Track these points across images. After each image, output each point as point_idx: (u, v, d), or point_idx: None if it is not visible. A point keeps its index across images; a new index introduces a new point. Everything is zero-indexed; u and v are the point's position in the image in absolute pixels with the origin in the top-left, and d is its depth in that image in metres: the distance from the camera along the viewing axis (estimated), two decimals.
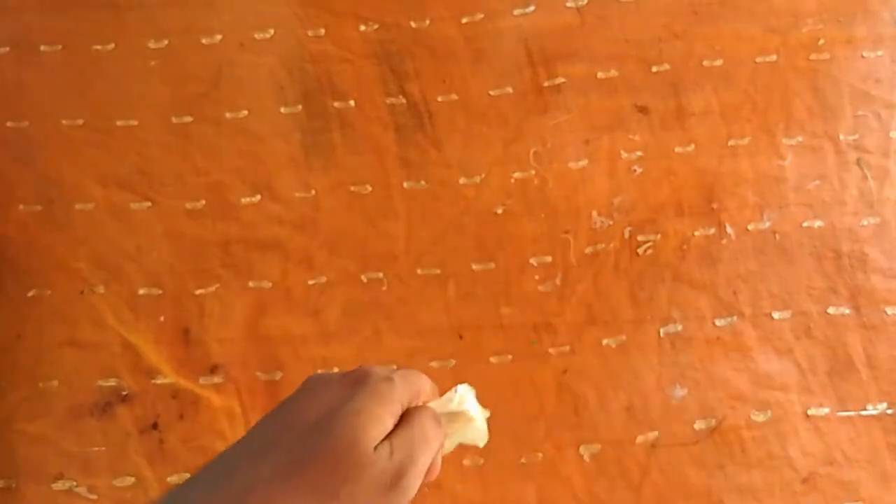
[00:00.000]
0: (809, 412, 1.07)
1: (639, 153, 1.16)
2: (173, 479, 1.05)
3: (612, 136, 1.16)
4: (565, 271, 1.11)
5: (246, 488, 0.51)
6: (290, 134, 1.16)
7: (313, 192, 1.14)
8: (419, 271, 1.11)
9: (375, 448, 0.53)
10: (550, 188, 1.14)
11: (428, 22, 1.19)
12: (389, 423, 0.55)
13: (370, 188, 1.14)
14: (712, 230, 1.13)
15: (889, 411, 1.07)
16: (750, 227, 1.13)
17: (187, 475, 1.04)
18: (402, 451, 0.54)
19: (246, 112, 1.17)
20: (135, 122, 1.17)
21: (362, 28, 1.19)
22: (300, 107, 1.17)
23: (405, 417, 0.58)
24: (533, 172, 1.15)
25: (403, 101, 1.17)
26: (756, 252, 1.12)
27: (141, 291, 1.11)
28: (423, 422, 0.57)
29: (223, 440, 1.06)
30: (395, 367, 0.64)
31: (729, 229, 1.12)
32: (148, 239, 1.12)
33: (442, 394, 0.66)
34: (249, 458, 0.53)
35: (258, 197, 1.14)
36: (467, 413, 0.67)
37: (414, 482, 0.55)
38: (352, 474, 0.52)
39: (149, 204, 1.14)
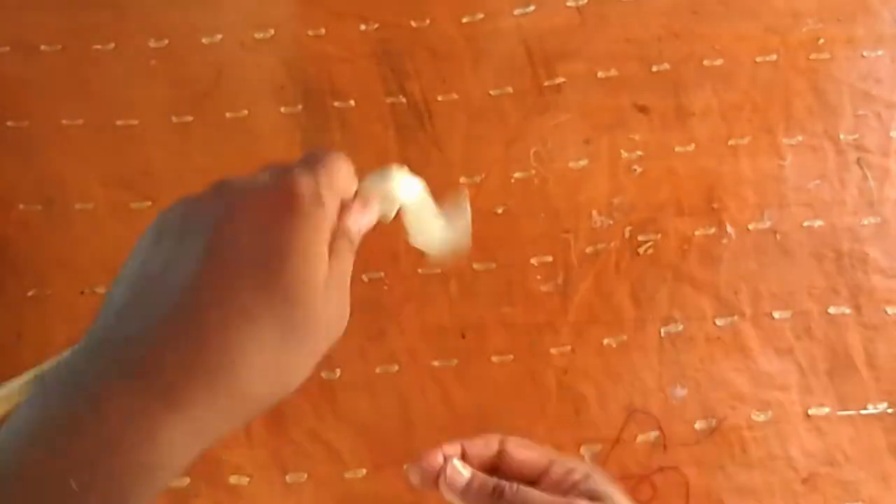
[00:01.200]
0: (810, 412, 1.07)
1: (639, 153, 1.15)
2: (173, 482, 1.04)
3: (613, 135, 1.16)
4: (566, 271, 1.11)
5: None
6: (290, 134, 1.16)
7: None
8: (420, 271, 1.10)
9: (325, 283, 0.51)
10: (551, 188, 1.14)
11: (428, 22, 1.19)
12: (327, 254, 0.52)
13: None
14: (713, 230, 1.12)
15: (890, 411, 1.06)
16: (750, 227, 1.12)
17: (187, 479, 1.04)
18: (339, 281, 0.53)
19: (246, 112, 1.17)
20: (135, 122, 1.16)
21: (362, 28, 1.19)
22: (300, 106, 1.17)
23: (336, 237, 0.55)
24: (533, 172, 1.14)
25: (404, 100, 1.17)
26: (756, 252, 1.11)
27: None
28: (344, 245, 0.55)
29: (223, 443, 1.05)
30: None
31: (729, 229, 1.12)
32: None
33: None
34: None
35: None
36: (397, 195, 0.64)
37: (348, 305, 0.54)
38: (310, 319, 0.49)
39: (149, 203, 1.13)
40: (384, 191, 0.62)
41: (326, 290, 0.50)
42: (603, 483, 0.64)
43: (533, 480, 0.67)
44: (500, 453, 0.69)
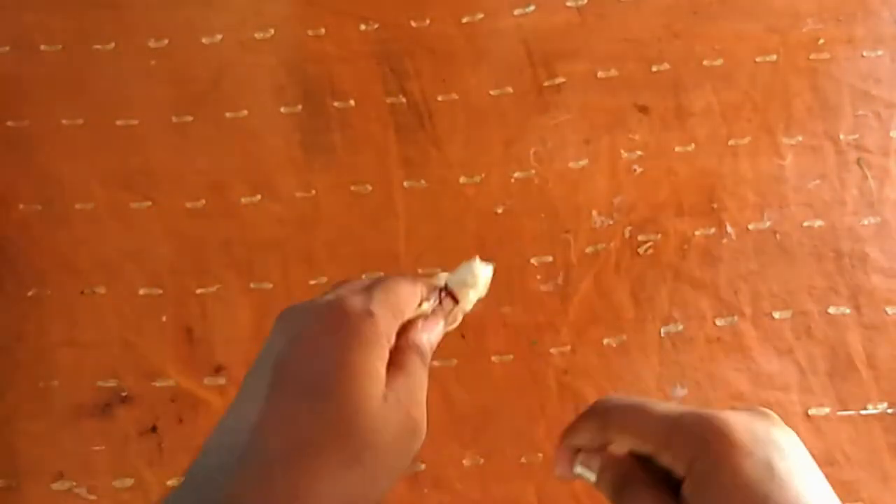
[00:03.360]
0: (810, 412, 1.06)
1: (639, 153, 1.15)
2: (173, 482, 1.04)
3: (613, 135, 1.15)
4: (566, 271, 1.10)
5: (261, 479, 0.48)
6: (290, 134, 1.16)
7: (314, 191, 1.13)
8: (420, 271, 1.10)
9: (383, 399, 0.51)
10: (551, 188, 1.13)
11: (428, 22, 1.19)
12: (382, 369, 0.52)
13: (370, 188, 1.13)
14: (713, 230, 1.12)
15: (889, 411, 1.06)
16: (750, 227, 1.12)
17: None
18: (406, 396, 0.53)
19: (246, 112, 1.16)
20: (135, 122, 1.16)
21: (362, 28, 1.18)
22: (300, 106, 1.16)
23: (396, 354, 0.56)
24: (533, 172, 1.14)
25: (404, 100, 1.16)
26: (756, 252, 1.11)
27: (141, 291, 1.10)
28: (413, 359, 0.56)
29: None
30: (364, 279, 0.62)
31: (729, 229, 1.12)
32: (148, 238, 1.12)
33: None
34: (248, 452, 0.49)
35: (258, 196, 1.13)
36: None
37: (424, 418, 0.54)
38: (369, 439, 0.49)
39: (149, 203, 1.13)
40: (468, 287, 0.64)
41: (386, 407, 0.51)
42: (708, 478, 0.51)
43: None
44: (605, 438, 0.63)
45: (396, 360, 0.55)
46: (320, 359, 0.51)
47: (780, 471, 0.51)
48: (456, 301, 0.63)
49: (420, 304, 0.61)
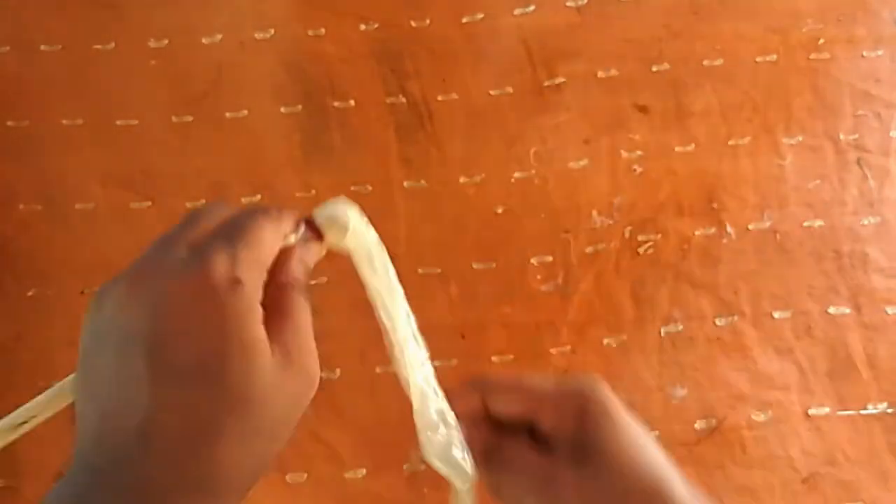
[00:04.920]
0: (810, 412, 1.06)
1: (639, 153, 1.15)
2: None
3: (613, 135, 1.15)
4: (566, 271, 1.10)
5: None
6: (290, 134, 1.15)
7: (313, 191, 1.13)
8: (420, 271, 1.10)
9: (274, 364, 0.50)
10: (551, 188, 1.13)
11: (428, 21, 1.18)
12: (262, 331, 0.50)
13: (370, 188, 1.13)
14: (713, 230, 1.12)
15: (889, 411, 1.06)
16: (750, 227, 1.12)
17: None
18: (295, 347, 0.52)
19: (246, 112, 1.16)
20: (135, 122, 1.16)
21: (362, 27, 1.18)
22: (300, 106, 1.16)
23: (272, 294, 0.53)
24: (533, 172, 1.14)
25: (404, 100, 1.16)
26: (756, 252, 1.11)
27: None
28: (292, 297, 0.54)
29: None
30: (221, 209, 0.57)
31: (729, 229, 1.12)
32: (148, 238, 1.07)
33: None
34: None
35: (258, 196, 1.13)
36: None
37: (316, 362, 0.53)
38: (267, 408, 0.49)
39: (149, 203, 1.13)
40: (331, 218, 0.60)
41: (277, 371, 0.50)
42: (597, 424, 0.58)
43: (532, 420, 0.62)
44: (486, 406, 0.63)
45: (274, 301, 0.53)
46: (198, 338, 0.49)
47: (637, 420, 0.59)
48: (320, 238, 0.60)
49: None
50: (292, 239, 0.57)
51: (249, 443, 0.49)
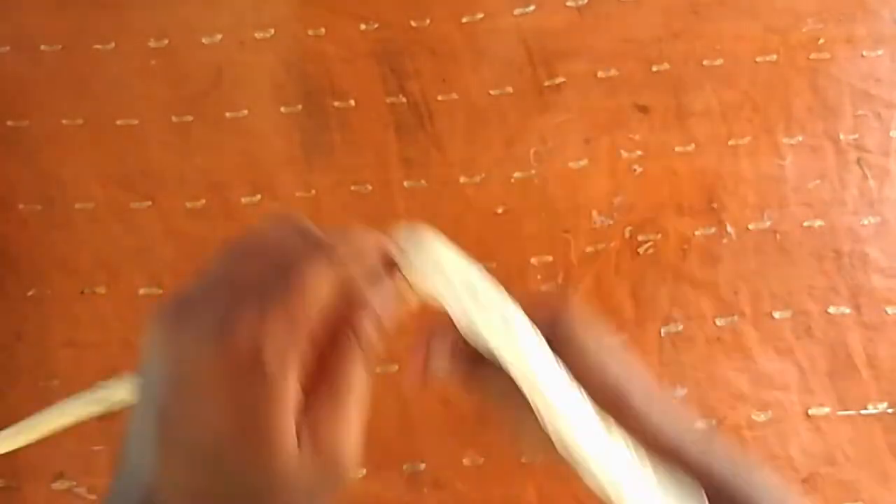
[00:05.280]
0: (810, 412, 1.06)
1: (639, 152, 1.14)
2: None
3: (613, 135, 1.15)
4: (566, 271, 1.10)
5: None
6: (290, 133, 1.15)
7: (314, 191, 1.13)
8: None
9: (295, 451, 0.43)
10: (551, 188, 1.13)
11: (428, 21, 1.18)
12: (291, 420, 0.42)
13: (370, 187, 1.13)
14: (713, 230, 1.12)
15: (889, 411, 1.06)
16: (750, 227, 1.12)
17: None
18: (327, 436, 0.43)
19: (246, 111, 1.16)
20: (135, 122, 1.16)
21: (362, 27, 1.18)
22: (300, 106, 1.16)
23: (324, 350, 0.44)
24: (533, 172, 1.14)
25: (404, 100, 1.16)
26: (756, 252, 1.11)
27: (142, 291, 1.10)
28: (348, 369, 0.44)
29: None
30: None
31: (729, 229, 1.12)
32: (148, 238, 1.11)
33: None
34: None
35: (259, 196, 1.13)
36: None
37: (351, 454, 0.44)
38: (279, 497, 0.43)
39: (149, 203, 1.13)
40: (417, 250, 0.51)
41: (299, 460, 0.43)
42: (566, 336, 0.58)
43: None
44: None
45: (324, 369, 0.44)
46: (210, 419, 0.43)
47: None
48: (406, 281, 0.49)
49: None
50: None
51: None
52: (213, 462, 0.43)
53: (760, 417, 1.06)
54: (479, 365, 0.58)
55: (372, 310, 0.45)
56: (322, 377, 0.44)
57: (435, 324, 0.61)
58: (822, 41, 1.17)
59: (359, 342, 0.44)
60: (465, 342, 0.57)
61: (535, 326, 0.55)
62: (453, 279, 0.52)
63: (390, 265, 0.49)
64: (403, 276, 0.49)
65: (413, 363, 0.62)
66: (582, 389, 0.55)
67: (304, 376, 0.43)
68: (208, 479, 0.44)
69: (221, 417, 0.42)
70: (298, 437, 0.43)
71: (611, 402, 0.56)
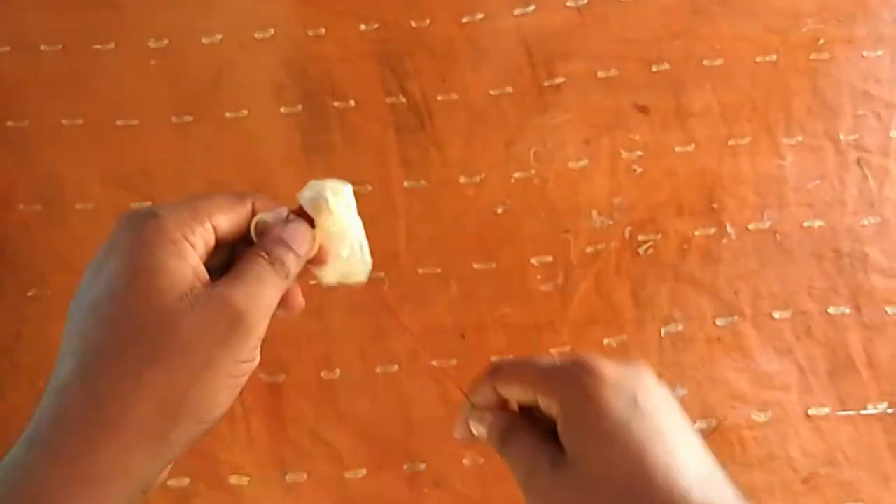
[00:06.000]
0: (810, 412, 1.06)
1: (639, 153, 1.14)
2: (172, 482, 1.03)
3: (612, 135, 1.14)
4: (566, 271, 1.10)
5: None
6: (290, 134, 1.14)
7: None
8: (420, 270, 1.09)
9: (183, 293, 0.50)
10: (550, 188, 1.13)
11: (428, 22, 1.18)
12: (178, 265, 0.50)
13: (370, 188, 1.12)
14: (713, 230, 1.11)
15: (890, 411, 1.05)
16: (750, 227, 1.11)
17: (187, 479, 1.03)
18: (225, 290, 0.52)
19: (246, 112, 1.15)
20: (135, 122, 1.15)
21: (362, 28, 1.17)
22: (300, 106, 1.15)
23: (238, 261, 0.55)
24: (533, 172, 1.13)
25: (404, 100, 1.15)
26: (756, 252, 1.10)
27: None
28: (252, 260, 0.54)
29: (222, 443, 1.04)
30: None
31: (729, 229, 1.11)
32: None
33: None
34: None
35: None
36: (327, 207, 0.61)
37: (250, 308, 0.52)
38: (165, 333, 0.49)
39: (149, 203, 1.11)
40: (312, 199, 0.61)
41: (186, 299, 0.50)
42: (574, 421, 0.54)
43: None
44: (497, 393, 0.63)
45: (235, 264, 0.54)
46: (113, 268, 0.51)
47: (643, 404, 0.53)
48: (311, 223, 0.59)
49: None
50: (270, 219, 0.58)
51: (149, 371, 0.48)
52: (103, 305, 0.50)
53: (760, 417, 1.05)
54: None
55: (287, 232, 0.56)
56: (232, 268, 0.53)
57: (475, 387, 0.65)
58: (822, 41, 1.17)
59: (259, 247, 0.55)
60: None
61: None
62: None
63: (301, 214, 0.59)
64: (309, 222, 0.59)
65: (459, 417, 0.66)
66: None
67: (215, 262, 0.54)
68: (95, 325, 0.50)
69: (120, 267, 0.50)
70: (197, 295, 0.50)
71: (622, 491, 0.51)
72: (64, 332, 0.52)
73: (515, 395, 0.62)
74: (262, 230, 0.57)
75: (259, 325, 0.52)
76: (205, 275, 0.53)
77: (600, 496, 0.51)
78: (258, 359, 0.54)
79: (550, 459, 0.55)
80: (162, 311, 0.49)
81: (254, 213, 0.59)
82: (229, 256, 0.58)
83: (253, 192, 0.59)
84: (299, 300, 0.61)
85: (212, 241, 0.54)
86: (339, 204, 0.61)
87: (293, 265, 0.56)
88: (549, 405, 0.57)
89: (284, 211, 0.59)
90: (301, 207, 0.60)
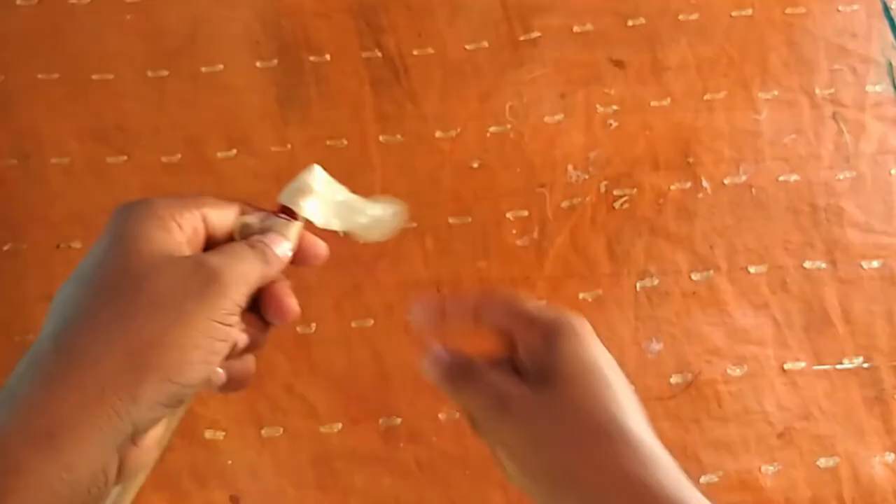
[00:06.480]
0: (785, 366, 0.96)
1: (615, 107, 1.04)
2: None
3: (588, 90, 1.05)
4: (542, 225, 1.00)
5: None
6: (266, 88, 1.05)
7: (289, 146, 1.03)
8: None
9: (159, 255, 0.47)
10: (526, 142, 1.03)
11: None
12: (159, 233, 0.48)
13: (346, 142, 1.03)
14: (688, 184, 1.01)
15: (865, 365, 0.96)
16: (726, 182, 1.01)
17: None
18: (202, 256, 0.48)
19: (222, 66, 1.06)
20: (111, 76, 1.06)
21: None
22: (276, 61, 1.06)
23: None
24: (509, 126, 1.04)
25: (379, 55, 1.06)
26: (732, 206, 1.00)
27: None
28: (235, 243, 0.51)
29: (198, 398, 0.94)
30: None
31: (705, 183, 1.01)
32: (124, 193, 1.01)
33: None
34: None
35: (234, 151, 1.02)
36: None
37: (223, 267, 0.48)
38: (139, 286, 0.45)
39: (125, 158, 1.03)
40: (304, 196, 0.56)
41: (161, 259, 0.47)
42: (563, 353, 0.55)
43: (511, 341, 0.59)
44: (476, 314, 0.61)
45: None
46: (93, 249, 0.47)
47: (608, 358, 0.56)
48: (294, 217, 0.55)
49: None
50: (253, 222, 0.54)
51: (114, 324, 0.44)
52: (85, 272, 0.46)
53: (736, 372, 0.95)
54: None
55: (270, 236, 0.52)
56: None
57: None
58: None
59: (252, 242, 0.51)
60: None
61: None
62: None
63: (283, 211, 0.55)
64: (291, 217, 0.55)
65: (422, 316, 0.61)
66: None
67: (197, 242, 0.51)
68: (76, 288, 0.46)
69: (105, 240, 0.47)
70: (173, 258, 0.47)
71: (598, 428, 0.51)
72: (50, 305, 0.47)
73: (493, 319, 0.59)
74: (245, 234, 0.53)
75: (235, 288, 0.48)
76: (187, 250, 0.50)
77: (589, 409, 0.52)
78: (236, 329, 0.50)
79: (530, 385, 0.54)
80: (136, 271, 0.46)
81: (240, 212, 0.55)
82: None
83: (240, 200, 0.55)
84: (319, 248, 0.57)
85: (201, 228, 0.51)
86: (318, 183, 0.57)
87: (272, 258, 0.52)
88: (529, 341, 0.57)
89: (265, 215, 0.55)
90: (283, 207, 0.55)
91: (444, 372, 0.57)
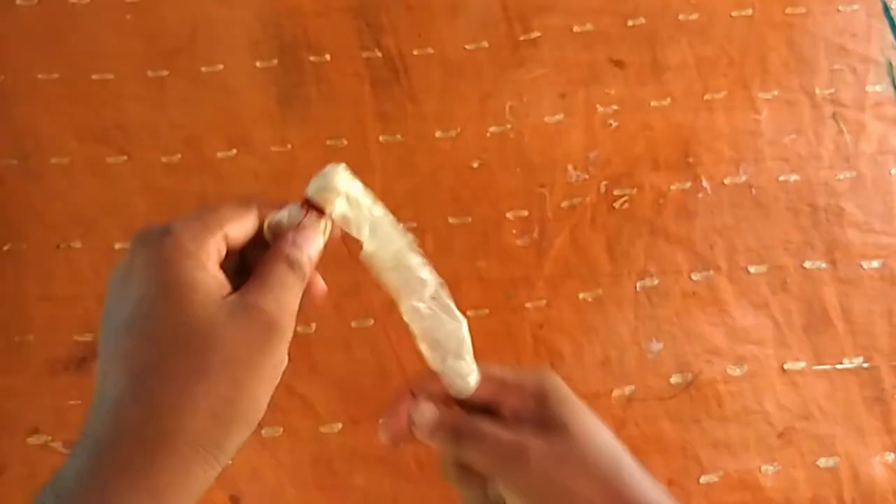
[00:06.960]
0: (785, 366, 0.95)
1: (614, 107, 1.04)
2: None
3: (588, 90, 1.05)
4: (542, 225, 0.99)
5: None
6: (265, 88, 1.05)
7: (289, 145, 1.02)
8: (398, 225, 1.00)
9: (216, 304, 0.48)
10: (526, 142, 1.03)
11: None
12: (203, 277, 0.48)
13: (346, 142, 1.03)
14: (688, 184, 1.01)
15: (865, 365, 0.95)
16: (726, 182, 1.01)
17: None
18: (255, 297, 0.49)
19: (222, 66, 1.05)
20: (111, 76, 1.05)
21: None
22: (276, 61, 1.06)
23: (259, 267, 0.52)
24: (509, 126, 1.03)
25: (379, 54, 1.06)
26: (732, 206, 1.00)
27: (117, 245, 0.99)
28: (275, 267, 0.52)
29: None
30: None
31: (705, 183, 1.01)
32: (124, 193, 1.01)
33: None
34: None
35: (234, 151, 1.02)
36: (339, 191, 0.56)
37: (283, 315, 0.50)
38: (208, 344, 0.47)
39: (125, 158, 1.02)
40: (320, 189, 0.56)
41: (221, 310, 0.48)
42: (559, 403, 0.59)
43: (494, 404, 0.62)
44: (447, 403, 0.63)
45: (257, 271, 0.52)
46: (133, 291, 0.48)
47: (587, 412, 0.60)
48: (321, 212, 0.55)
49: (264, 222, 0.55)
50: (283, 219, 0.54)
51: (194, 384, 0.46)
52: (137, 324, 0.47)
53: (736, 372, 0.95)
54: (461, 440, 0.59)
55: (300, 235, 0.54)
56: (254, 274, 0.51)
57: (420, 381, 0.64)
58: None
59: (279, 252, 0.52)
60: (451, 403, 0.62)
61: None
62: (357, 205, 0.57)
63: (309, 206, 0.55)
64: (319, 212, 0.55)
65: (395, 417, 0.63)
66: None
67: (228, 267, 0.52)
68: (132, 341, 0.47)
69: (147, 286, 0.48)
70: (231, 306, 0.48)
71: (610, 464, 0.56)
72: (100, 354, 0.49)
73: (476, 392, 0.62)
74: (276, 231, 0.54)
75: (290, 329, 0.51)
76: (227, 284, 0.51)
77: (597, 451, 0.56)
78: (287, 360, 0.52)
79: (534, 435, 0.57)
80: (200, 325, 0.47)
81: (259, 216, 0.55)
82: (240, 258, 0.56)
83: (255, 195, 0.58)
84: (321, 287, 0.59)
85: (224, 251, 0.52)
86: (352, 186, 0.57)
87: (308, 267, 0.54)
88: (518, 401, 0.60)
89: (295, 208, 0.55)
90: (308, 200, 0.56)
91: (443, 429, 0.60)
